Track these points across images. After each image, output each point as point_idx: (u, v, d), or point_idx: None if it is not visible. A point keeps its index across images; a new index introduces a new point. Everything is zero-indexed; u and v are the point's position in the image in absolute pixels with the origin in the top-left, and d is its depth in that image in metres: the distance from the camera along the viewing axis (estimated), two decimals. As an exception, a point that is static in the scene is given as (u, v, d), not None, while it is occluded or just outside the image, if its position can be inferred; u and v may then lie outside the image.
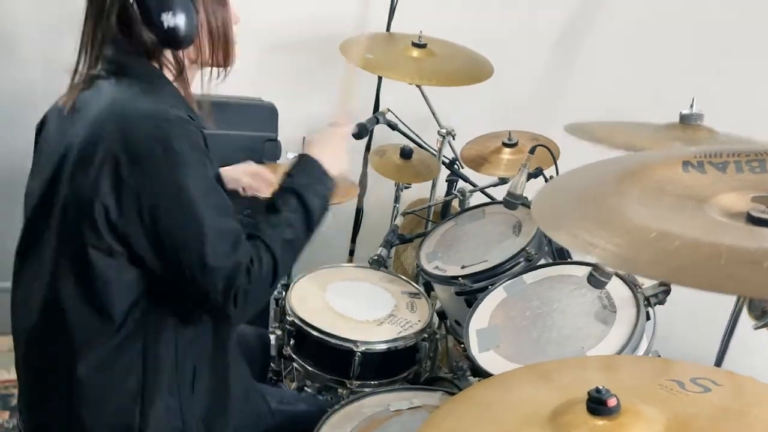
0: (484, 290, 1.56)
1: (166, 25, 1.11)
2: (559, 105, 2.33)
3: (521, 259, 1.58)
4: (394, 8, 2.14)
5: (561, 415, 0.87)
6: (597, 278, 1.29)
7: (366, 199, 2.49)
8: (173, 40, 1.13)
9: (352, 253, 2.52)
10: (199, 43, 1.18)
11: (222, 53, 1.21)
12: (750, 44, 1.94)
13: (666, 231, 0.63)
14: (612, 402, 0.84)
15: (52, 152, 1.15)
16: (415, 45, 1.83)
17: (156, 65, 1.17)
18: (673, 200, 0.71)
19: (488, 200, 1.98)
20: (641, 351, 1.26)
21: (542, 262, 1.60)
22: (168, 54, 1.17)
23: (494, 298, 1.50)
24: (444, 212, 2.24)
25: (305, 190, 1.22)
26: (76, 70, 1.19)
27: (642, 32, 2.10)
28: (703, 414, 0.83)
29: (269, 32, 2.32)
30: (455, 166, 2.14)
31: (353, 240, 2.51)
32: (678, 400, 0.88)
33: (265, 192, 1.51)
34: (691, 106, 1.17)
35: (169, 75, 1.19)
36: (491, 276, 1.58)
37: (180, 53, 1.18)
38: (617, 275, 1.35)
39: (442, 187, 2.19)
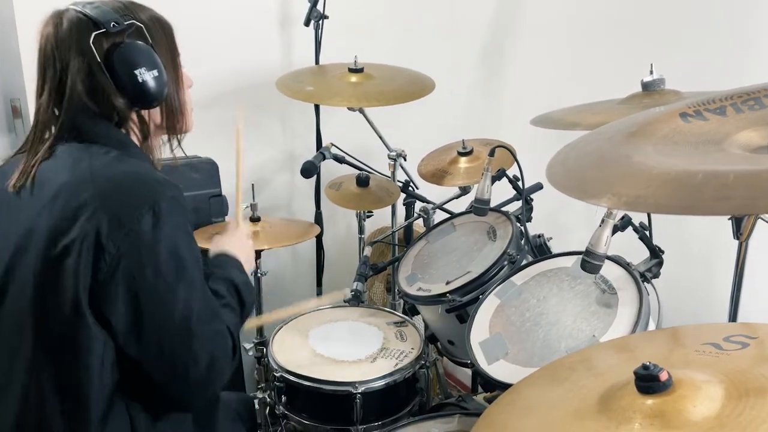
0: (475, 302, 1.50)
1: (140, 79, 1.05)
2: (498, 106, 2.35)
3: (505, 263, 1.53)
4: (320, 42, 2.11)
5: (611, 401, 0.82)
6: (591, 263, 1.25)
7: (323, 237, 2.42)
8: (145, 97, 1.07)
9: (319, 295, 2.42)
10: (164, 105, 1.12)
11: (180, 119, 1.16)
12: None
13: (710, 171, 0.60)
14: (664, 376, 0.79)
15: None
16: (352, 71, 1.80)
17: (123, 131, 1.10)
18: (691, 147, 0.68)
19: (451, 213, 1.95)
20: (652, 327, 1.23)
21: (525, 261, 1.56)
22: (134, 117, 1.11)
23: (488, 307, 1.44)
24: (408, 236, 2.19)
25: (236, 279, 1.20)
26: (29, 140, 1.09)
27: (570, 18, 2.15)
28: (755, 368, 0.80)
29: (195, 88, 2.26)
30: (410, 188, 2.11)
31: (319, 282, 2.41)
32: (722, 362, 0.85)
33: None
34: (651, 72, 1.17)
35: (135, 140, 1.12)
36: (479, 286, 1.52)
37: (146, 116, 1.12)
38: (607, 257, 1.32)
39: (401, 212, 2.15)
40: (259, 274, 1.97)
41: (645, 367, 0.80)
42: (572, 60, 2.08)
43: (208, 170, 2.15)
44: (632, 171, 0.63)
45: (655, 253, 1.34)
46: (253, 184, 1.98)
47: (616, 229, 1.29)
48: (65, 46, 1.04)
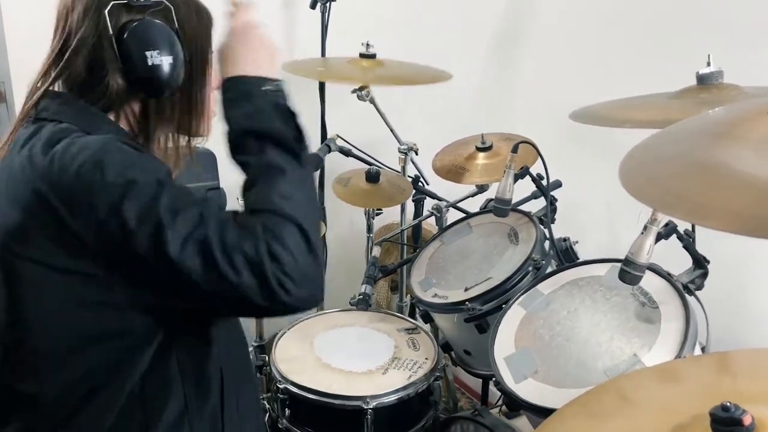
0: (497, 311, 1.38)
1: (150, 62, 0.90)
2: (512, 98, 2.22)
3: (529, 269, 1.42)
4: (326, 27, 1.98)
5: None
6: (631, 273, 1.14)
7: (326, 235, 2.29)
8: (152, 83, 0.92)
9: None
10: (182, 100, 0.97)
11: (196, 120, 0.99)
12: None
13: None
14: (747, 419, 0.68)
15: None
16: (363, 56, 1.67)
17: (111, 116, 0.95)
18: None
19: (466, 213, 1.83)
20: (698, 347, 1.12)
21: (552, 267, 1.45)
22: (134, 107, 0.96)
23: (513, 317, 1.33)
24: (416, 235, 2.07)
25: (254, 121, 0.92)
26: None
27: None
28: None
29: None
30: (420, 183, 1.99)
31: (321, 282, 2.29)
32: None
33: None
34: (708, 63, 1.05)
35: (125, 126, 0.96)
36: (501, 293, 1.41)
37: (149, 105, 0.96)
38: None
39: (409, 209, 2.02)
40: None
41: (725, 408, 0.68)
42: (598, 49, 1.94)
43: (205, 161, 2.02)
44: (741, 183, 0.51)
45: (700, 263, 1.22)
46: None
47: (659, 237, 1.17)
48: (80, 9, 0.91)
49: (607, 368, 1.12)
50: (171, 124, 0.99)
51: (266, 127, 0.91)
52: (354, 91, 1.78)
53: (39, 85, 0.95)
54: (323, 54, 2.05)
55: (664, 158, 0.66)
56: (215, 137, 2.03)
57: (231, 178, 2.06)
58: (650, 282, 1.21)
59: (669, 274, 1.22)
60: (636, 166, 0.67)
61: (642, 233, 1.13)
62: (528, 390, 1.16)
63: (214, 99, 1.01)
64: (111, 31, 0.90)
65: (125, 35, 0.91)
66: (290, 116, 0.94)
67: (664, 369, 1.01)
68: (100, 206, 0.82)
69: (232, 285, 0.81)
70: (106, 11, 0.90)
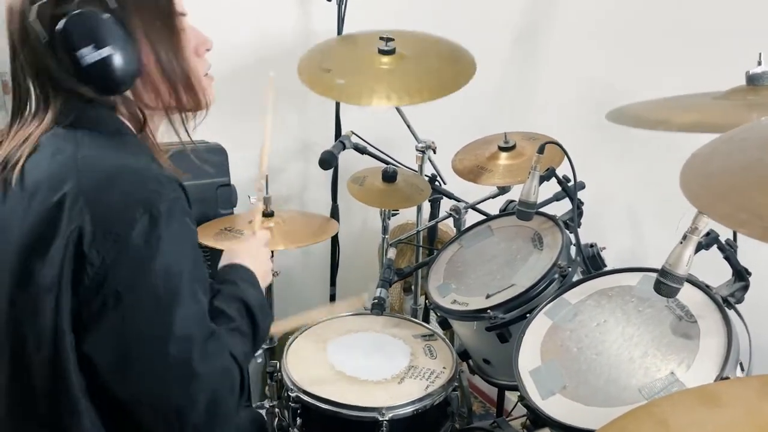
0: (521, 320, 1.32)
1: (83, 63, 0.82)
2: (532, 96, 2.15)
3: (555, 276, 1.35)
4: (343, 15, 1.90)
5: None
6: (669, 285, 1.07)
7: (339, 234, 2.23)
8: (100, 82, 0.84)
9: (333, 298, 2.24)
10: (152, 84, 0.90)
11: (187, 94, 0.93)
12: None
13: None
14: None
15: None
16: (382, 52, 1.59)
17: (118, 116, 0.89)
18: None
19: (486, 215, 1.76)
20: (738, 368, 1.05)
21: (578, 275, 1.38)
22: (118, 102, 0.89)
23: (538, 328, 1.26)
24: (432, 236, 2.01)
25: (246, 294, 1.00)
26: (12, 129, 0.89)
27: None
28: None
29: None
30: (437, 183, 1.92)
31: (333, 282, 2.23)
32: None
33: None
34: (759, 62, 0.98)
35: (132, 125, 0.91)
36: (525, 302, 1.34)
37: (131, 101, 0.90)
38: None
39: (425, 209, 1.96)
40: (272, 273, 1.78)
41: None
42: (630, 46, 1.86)
43: (216, 157, 1.96)
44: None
45: (741, 275, 1.15)
46: (267, 175, 1.79)
47: (699, 247, 1.10)
48: (12, 17, 0.84)
49: (641, 386, 1.05)
50: (165, 107, 0.93)
51: (242, 297, 0.98)
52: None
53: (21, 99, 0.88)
54: (340, 32, 1.97)
55: (733, 170, 0.59)
56: (227, 135, 1.97)
57: (242, 175, 2.03)
58: (687, 294, 1.14)
59: (707, 286, 1.15)
60: (700, 178, 0.60)
61: (681, 242, 1.06)
62: (556, 407, 1.09)
63: (202, 65, 0.96)
64: (44, 37, 0.82)
65: (56, 35, 0.82)
66: (262, 313, 1.00)
67: (706, 392, 0.94)
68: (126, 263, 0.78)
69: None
70: (35, 14, 0.81)
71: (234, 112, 2.06)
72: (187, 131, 0.99)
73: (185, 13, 0.94)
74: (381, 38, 1.61)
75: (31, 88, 0.86)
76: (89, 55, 0.81)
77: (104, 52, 0.82)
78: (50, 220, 0.78)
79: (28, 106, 0.87)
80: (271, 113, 1.21)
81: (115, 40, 0.83)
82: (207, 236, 1.68)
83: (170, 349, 0.80)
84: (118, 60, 0.83)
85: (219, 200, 1.96)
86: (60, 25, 0.81)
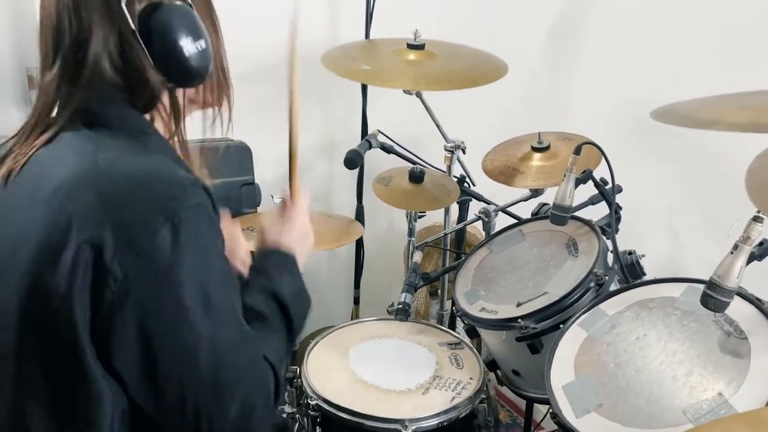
0: (553, 331, 1.24)
1: (186, 52, 0.81)
2: (566, 95, 2.06)
3: (590, 285, 1.27)
4: (372, 13, 1.85)
5: None
6: (717, 299, 0.99)
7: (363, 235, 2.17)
8: (188, 73, 0.83)
9: (357, 300, 2.19)
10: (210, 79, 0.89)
11: (223, 91, 0.93)
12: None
13: None
14: None
15: None
16: (411, 47, 1.53)
17: (147, 116, 0.85)
18: None
19: (518, 218, 1.69)
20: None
21: (615, 284, 1.30)
22: (164, 97, 0.86)
23: (572, 339, 1.19)
24: (459, 240, 1.94)
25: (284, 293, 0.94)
26: (29, 123, 0.85)
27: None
28: None
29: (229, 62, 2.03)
30: (466, 184, 1.85)
31: (356, 285, 2.17)
32: None
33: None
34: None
35: (161, 127, 0.87)
36: (558, 311, 1.27)
37: (180, 94, 0.87)
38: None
39: (453, 210, 1.89)
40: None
41: None
42: (669, 44, 1.77)
43: (240, 155, 1.92)
44: None
45: (797, 289, 1.06)
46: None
47: (752, 258, 1.02)
48: (88, 7, 0.80)
49: (686, 407, 0.98)
50: (199, 104, 0.91)
51: (275, 289, 0.93)
52: (398, 84, 1.65)
53: (54, 95, 0.83)
54: (367, 36, 1.92)
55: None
56: (251, 131, 1.94)
57: (267, 174, 1.99)
58: (737, 308, 1.05)
59: (759, 300, 1.06)
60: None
61: (731, 252, 0.98)
62: (591, 426, 1.02)
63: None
64: (133, 26, 0.79)
65: (150, 27, 0.79)
66: (298, 304, 0.95)
67: (758, 417, 0.86)
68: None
69: None
70: (123, 3, 0.78)
71: (259, 110, 2.03)
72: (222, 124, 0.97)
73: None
74: (412, 33, 1.55)
75: (61, 85, 0.82)
76: (190, 46, 0.81)
77: (201, 43, 0.82)
78: (66, 229, 0.73)
79: (49, 105, 0.83)
80: (295, 72, 1.12)
81: (205, 36, 0.83)
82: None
83: (201, 362, 0.76)
84: (208, 52, 0.84)
85: (243, 199, 1.92)
86: (156, 13, 0.80)
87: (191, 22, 0.82)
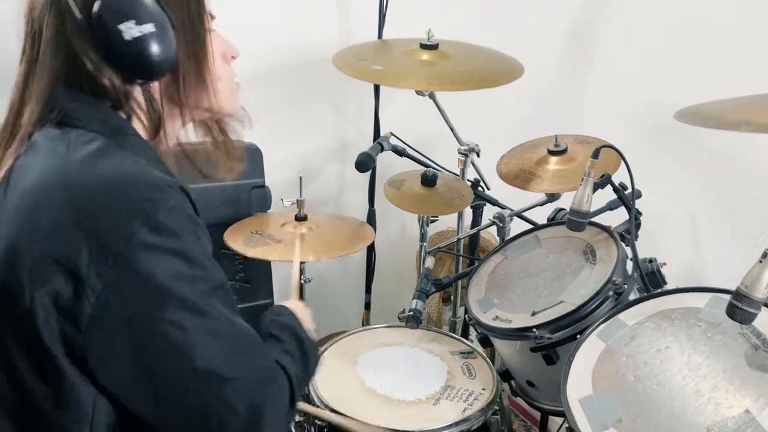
0: (569, 342, 1.20)
1: (126, 36, 0.75)
2: (583, 97, 2.01)
3: (609, 293, 1.22)
4: (385, 13, 1.81)
5: None
6: (744, 310, 0.94)
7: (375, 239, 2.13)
8: (141, 60, 0.77)
9: (368, 306, 2.15)
10: (177, 78, 0.83)
11: (205, 94, 0.87)
12: None
13: None
14: None
15: None
16: (424, 47, 1.49)
17: (122, 114, 0.81)
18: None
19: (533, 224, 1.64)
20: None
21: (634, 293, 1.25)
22: (137, 95, 0.81)
23: (589, 351, 1.14)
24: (473, 245, 1.89)
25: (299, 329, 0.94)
26: (8, 132, 0.81)
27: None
28: None
29: (237, 64, 1.99)
30: (480, 188, 1.80)
31: (368, 290, 2.13)
32: None
33: None
34: None
35: (140, 128, 0.83)
36: (575, 321, 1.22)
37: (157, 91, 0.82)
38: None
39: (467, 215, 1.84)
40: (302, 281, 1.71)
41: None
42: (690, 46, 1.71)
43: (251, 158, 1.89)
44: None
45: (830, 300, 1.00)
46: (301, 177, 1.71)
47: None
48: (40, 2, 0.78)
49: (711, 425, 0.92)
50: (184, 106, 0.85)
51: (292, 326, 0.93)
52: (411, 85, 1.61)
53: (20, 96, 0.80)
54: (380, 36, 1.89)
55: None
56: (262, 133, 1.91)
57: (277, 176, 1.96)
58: (765, 320, 1.00)
59: (788, 312, 1.01)
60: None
61: (760, 261, 0.93)
62: (610, 443, 0.97)
63: (226, 70, 0.90)
64: (78, 14, 0.75)
65: (94, 14, 0.75)
66: (313, 351, 0.95)
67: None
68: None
69: None
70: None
71: (270, 112, 2.00)
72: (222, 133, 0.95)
73: (214, 15, 0.89)
74: (425, 32, 1.51)
75: (26, 85, 0.79)
76: (130, 30, 0.75)
77: (146, 28, 0.75)
78: (32, 239, 0.70)
79: (18, 104, 0.80)
80: None
81: (156, 18, 0.77)
82: (236, 240, 1.61)
83: (196, 360, 0.72)
84: (159, 40, 0.77)
85: (253, 201, 1.90)
86: (98, 1, 0.75)
87: (132, 3, 0.76)
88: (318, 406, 1.29)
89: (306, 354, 0.91)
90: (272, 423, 0.79)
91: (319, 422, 1.30)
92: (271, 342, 0.89)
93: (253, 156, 1.89)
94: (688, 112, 0.93)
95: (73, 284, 0.68)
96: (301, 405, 1.27)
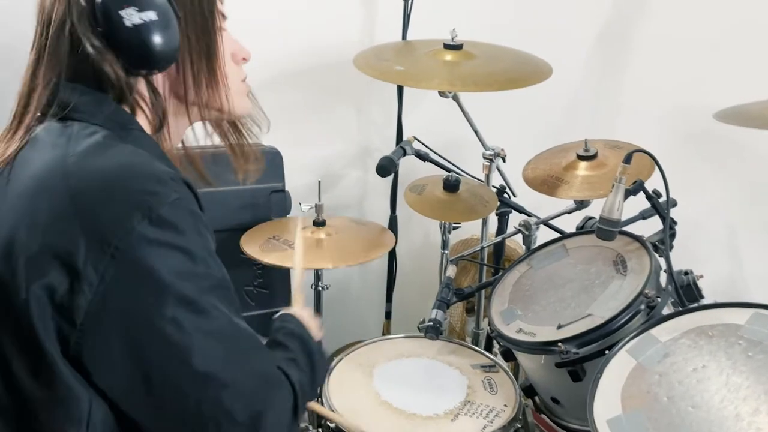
0: (597, 357, 1.12)
1: (127, 23, 0.73)
2: (613, 100, 1.93)
3: (641, 307, 1.15)
4: (409, 14, 1.77)
5: None
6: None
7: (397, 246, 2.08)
8: (141, 48, 0.74)
9: (388, 315, 2.09)
10: (183, 74, 0.81)
11: (211, 93, 0.84)
12: None
13: None
14: None
15: None
16: (448, 47, 1.44)
17: (126, 108, 0.79)
18: None
19: (561, 232, 1.57)
20: None
21: (668, 307, 1.17)
22: (141, 88, 0.79)
23: (619, 368, 1.06)
24: (498, 254, 1.83)
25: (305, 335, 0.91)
26: (16, 121, 0.80)
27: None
28: None
29: (259, 66, 1.96)
30: (505, 195, 1.74)
31: (389, 298, 2.08)
32: None
33: None
34: None
35: (144, 122, 0.81)
36: (603, 336, 1.15)
37: (159, 82, 0.80)
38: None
39: (491, 222, 1.78)
40: (320, 288, 1.66)
41: None
42: (725, 46, 1.63)
43: (270, 161, 1.86)
44: None
45: None
46: (320, 182, 1.67)
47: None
48: None
49: (753, 453, 0.84)
50: (193, 107, 0.83)
51: (300, 334, 0.90)
52: (435, 87, 1.56)
53: (30, 82, 0.78)
54: (404, 38, 1.84)
55: None
56: (282, 137, 1.88)
57: (297, 180, 1.93)
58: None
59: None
60: None
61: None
62: (640, 470, 0.90)
63: (237, 72, 0.88)
64: (83, 3, 0.73)
65: (97, 2, 0.73)
66: (321, 358, 0.91)
67: None
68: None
69: None
70: None
71: (289, 116, 1.97)
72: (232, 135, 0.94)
73: (226, 16, 0.87)
74: (450, 32, 1.46)
75: (35, 76, 0.78)
76: (131, 16, 0.73)
77: (147, 16, 0.73)
78: (32, 231, 0.68)
79: (25, 97, 0.79)
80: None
81: (159, 8, 0.75)
82: (252, 245, 1.58)
83: (195, 360, 0.69)
84: (160, 29, 0.74)
85: (272, 206, 1.87)
86: None
87: None
88: (331, 420, 1.24)
89: (314, 364, 0.87)
90: (274, 429, 0.75)
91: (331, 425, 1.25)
92: (276, 349, 0.85)
93: (273, 160, 1.86)
94: (729, 113, 0.87)
95: (69, 278, 0.65)
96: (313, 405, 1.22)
